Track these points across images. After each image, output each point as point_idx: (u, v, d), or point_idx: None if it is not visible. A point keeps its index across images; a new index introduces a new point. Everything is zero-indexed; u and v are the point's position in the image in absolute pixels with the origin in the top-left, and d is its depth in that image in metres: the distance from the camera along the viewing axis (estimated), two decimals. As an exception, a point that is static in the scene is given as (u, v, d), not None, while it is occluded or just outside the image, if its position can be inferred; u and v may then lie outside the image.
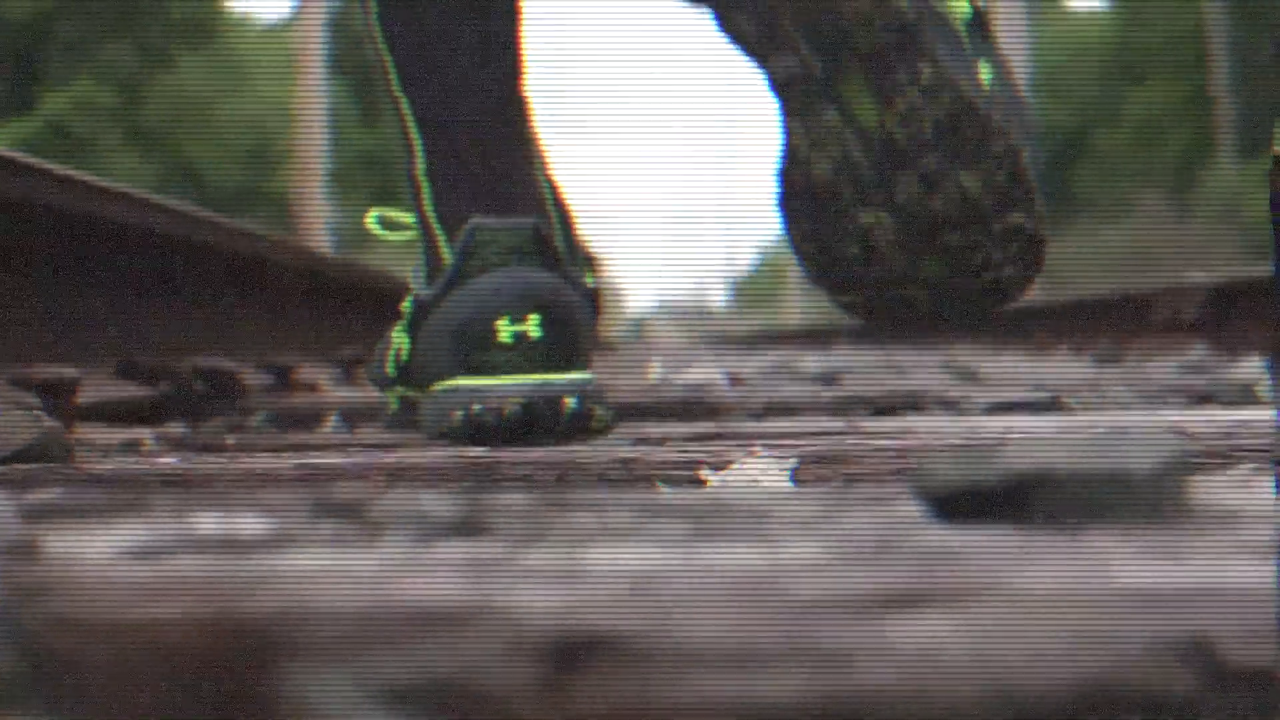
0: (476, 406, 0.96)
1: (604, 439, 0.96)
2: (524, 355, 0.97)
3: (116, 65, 19.49)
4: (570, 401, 0.96)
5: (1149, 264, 11.09)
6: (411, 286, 1.06)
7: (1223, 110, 18.04)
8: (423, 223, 1.06)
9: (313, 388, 2.22)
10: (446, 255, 1.03)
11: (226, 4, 24.35)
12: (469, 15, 1.06)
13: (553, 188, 1.08)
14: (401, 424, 1.16)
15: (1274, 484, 0.52)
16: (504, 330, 0.98)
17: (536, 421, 0.96)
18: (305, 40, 11.28)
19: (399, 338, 1.08)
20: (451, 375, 1.00)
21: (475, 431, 0.96)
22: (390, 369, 1.12)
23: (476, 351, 0.98)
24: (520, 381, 0.97)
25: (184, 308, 2.20)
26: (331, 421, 1.48)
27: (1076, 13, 24.74)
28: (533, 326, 0.98)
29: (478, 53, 1.06)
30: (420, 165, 1.06)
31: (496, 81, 1.06)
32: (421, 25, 1.06)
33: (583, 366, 1.00)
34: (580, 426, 0.98)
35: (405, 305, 1.07)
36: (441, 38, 1.06)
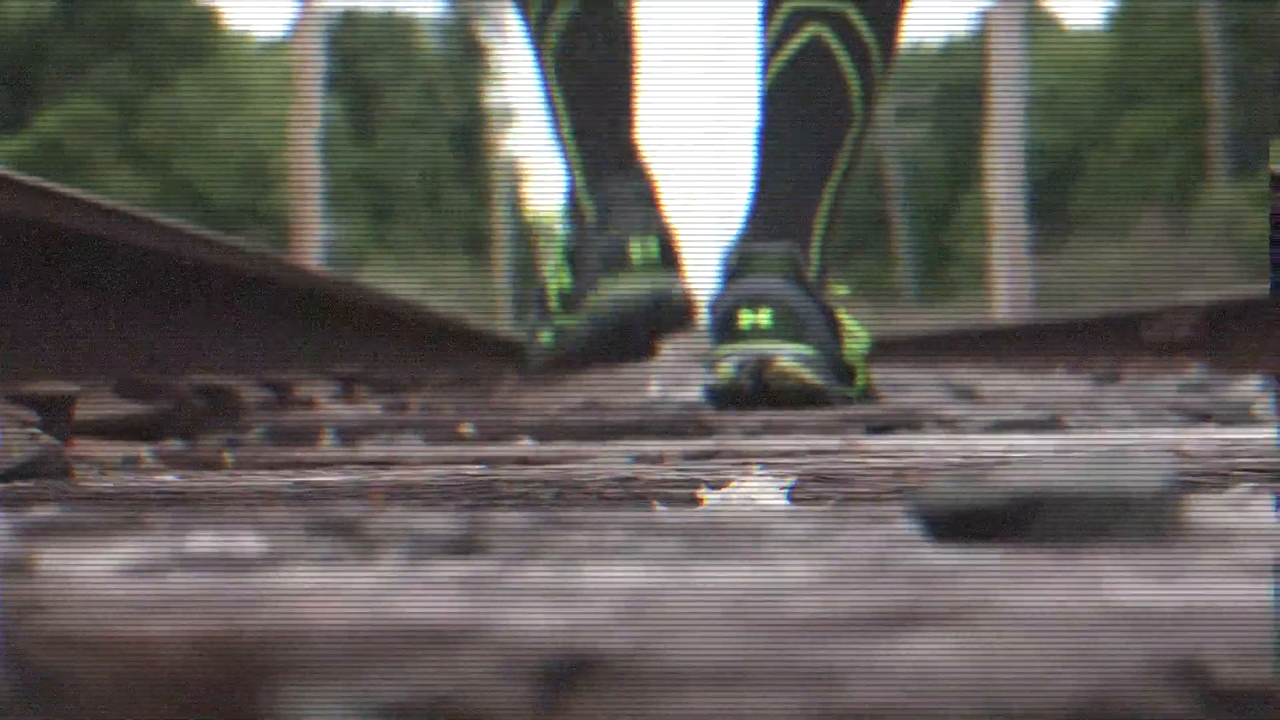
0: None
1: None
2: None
3: (113, 83, 19.52)
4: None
5: (1146, 283, 11.11)
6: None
7: (1218, 130, 18.07)
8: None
9: (310, 404, 2.22)
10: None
11: (224, 22, 24.40)
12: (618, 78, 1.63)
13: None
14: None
15: (1274, 503, 0.52)
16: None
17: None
18: (302, 58, 11.28)
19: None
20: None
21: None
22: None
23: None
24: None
25: (182, 325, 2.20)
26: (327, 437, 1.48)
27: (1073, 33, 24.77)
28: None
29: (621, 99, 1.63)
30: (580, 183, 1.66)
31: (628, 124, 1.62)
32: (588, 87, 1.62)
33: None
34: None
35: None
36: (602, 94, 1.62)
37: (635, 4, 1.64)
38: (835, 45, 1.46)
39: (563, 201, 1.67)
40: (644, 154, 1.65)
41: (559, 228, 1.60)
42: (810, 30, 1.46)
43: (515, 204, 26.68)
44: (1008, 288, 10.78)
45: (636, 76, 1.66)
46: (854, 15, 1.46)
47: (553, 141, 1.66)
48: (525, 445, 1.24)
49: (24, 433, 0.84)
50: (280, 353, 2.74)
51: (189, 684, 0.33)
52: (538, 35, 1.65)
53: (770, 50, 1.53)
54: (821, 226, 1.54)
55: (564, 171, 1.64)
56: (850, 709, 0.31)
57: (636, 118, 1.65)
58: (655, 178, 1.61)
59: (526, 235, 26.99)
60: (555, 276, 1.59)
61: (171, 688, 0.33)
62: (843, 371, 1.58)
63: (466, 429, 1.51)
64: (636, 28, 1.65)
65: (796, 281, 1.51)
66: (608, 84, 1.61)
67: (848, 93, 1.48)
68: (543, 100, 1.65)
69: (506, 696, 0.32)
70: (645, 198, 1.56)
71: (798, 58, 1.48)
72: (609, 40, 1.62)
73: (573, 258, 1.57)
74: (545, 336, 1.61)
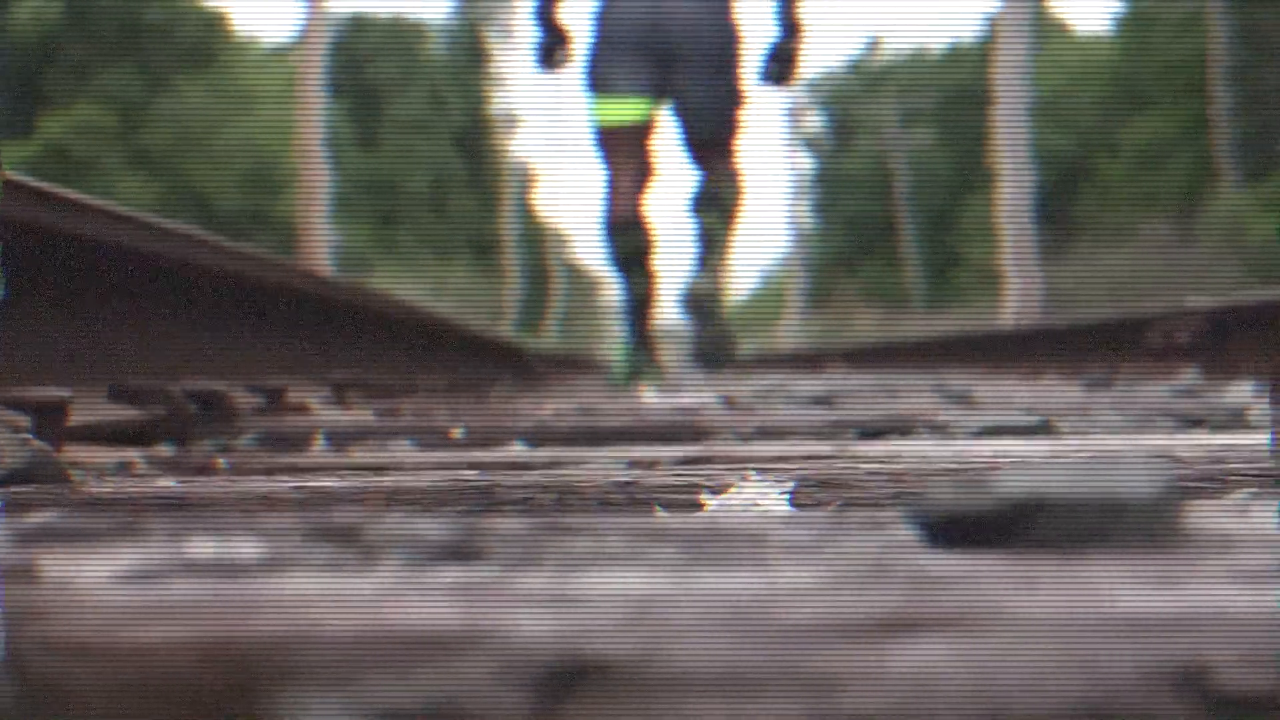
0: None
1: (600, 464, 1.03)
2: None
3: (119, 88, 19.49)
4: None
5: (1151, 288, 11.08)
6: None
7: (1223, 136, 18.06)
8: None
9: (303, 409, 2.22)
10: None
11: (232, 26, 24.30)
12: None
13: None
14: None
15: (1276, 508, 0.52)
16: None
17: None
18: (307, 63, 11.28)
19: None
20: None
21: None
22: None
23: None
24: None
25: (176, 329, 2.19)
26: (318, 442, 1.48)
27: (1080, 38, 24.73)
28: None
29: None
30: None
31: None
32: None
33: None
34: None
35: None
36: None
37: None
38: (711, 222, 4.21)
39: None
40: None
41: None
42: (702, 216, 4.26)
43: (525, 209, 26.69)
44: (1017, 292, 10.77)
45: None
46: (714, 218, 4.20)
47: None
48: (516, 449, 1.24)
49: (16, 438, 0.84)
50: (273, 357, 2.74)
51: (189, 690, 0.33)
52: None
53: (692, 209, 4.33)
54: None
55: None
56: (851, 714, 0.31)
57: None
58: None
59: (537, 240, 26.97)
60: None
61: (172, 693, 0.33)
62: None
63: (457, 433, 1.51)
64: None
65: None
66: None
67: (721, 235, 4.23)
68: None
69: (506, 703, 0.32)
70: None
71: (700, 228, 4.24)
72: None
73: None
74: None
